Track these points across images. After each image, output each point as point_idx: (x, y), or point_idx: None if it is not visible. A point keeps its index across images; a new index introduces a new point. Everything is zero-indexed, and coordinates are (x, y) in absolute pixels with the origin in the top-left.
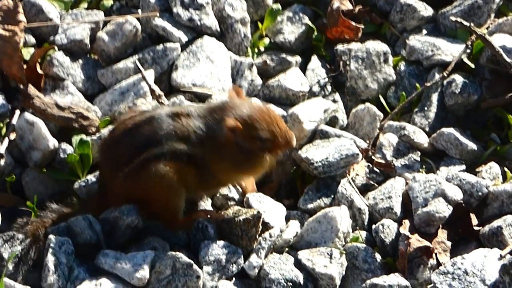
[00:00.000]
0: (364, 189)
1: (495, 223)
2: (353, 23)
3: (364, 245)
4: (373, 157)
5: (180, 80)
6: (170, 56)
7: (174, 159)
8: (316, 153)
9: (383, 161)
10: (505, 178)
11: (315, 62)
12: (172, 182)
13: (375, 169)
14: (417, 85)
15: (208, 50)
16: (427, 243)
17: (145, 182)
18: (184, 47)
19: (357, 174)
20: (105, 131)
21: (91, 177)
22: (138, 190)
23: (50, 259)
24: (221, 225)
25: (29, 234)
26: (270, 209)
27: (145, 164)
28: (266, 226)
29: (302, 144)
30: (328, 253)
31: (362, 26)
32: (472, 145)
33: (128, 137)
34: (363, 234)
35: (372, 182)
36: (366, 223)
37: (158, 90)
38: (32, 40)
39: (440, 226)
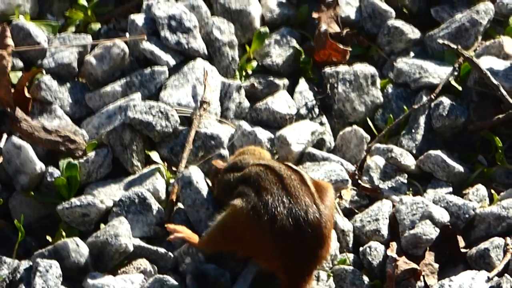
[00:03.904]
0: (349, 212)
1: (482, 245)
2: (341, 46)
3: (351, 267)
4: (359, 181)
5: (166, 99)
6: (157, 79)
7: None
8: None
9: (369, 186)
10: (492, 200)
11: (302, 84)
12: None
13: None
14: (405, 107)
15: (198, 72)
16: (414, 266)
17: None
18: (173, 69)
19: (342, 197)
20: (92, 154)
21: (75, 200)
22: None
23: (38, 283)
24: None
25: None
26: None
27: None
28: None
29: None
30: (315, 276)
31: (350, 49)
32: (459, 167)
33: None
34: (350, 256)
35: (355, 209)
36: (351, 245)
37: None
38: (20, 64)
39: (428, 248)
